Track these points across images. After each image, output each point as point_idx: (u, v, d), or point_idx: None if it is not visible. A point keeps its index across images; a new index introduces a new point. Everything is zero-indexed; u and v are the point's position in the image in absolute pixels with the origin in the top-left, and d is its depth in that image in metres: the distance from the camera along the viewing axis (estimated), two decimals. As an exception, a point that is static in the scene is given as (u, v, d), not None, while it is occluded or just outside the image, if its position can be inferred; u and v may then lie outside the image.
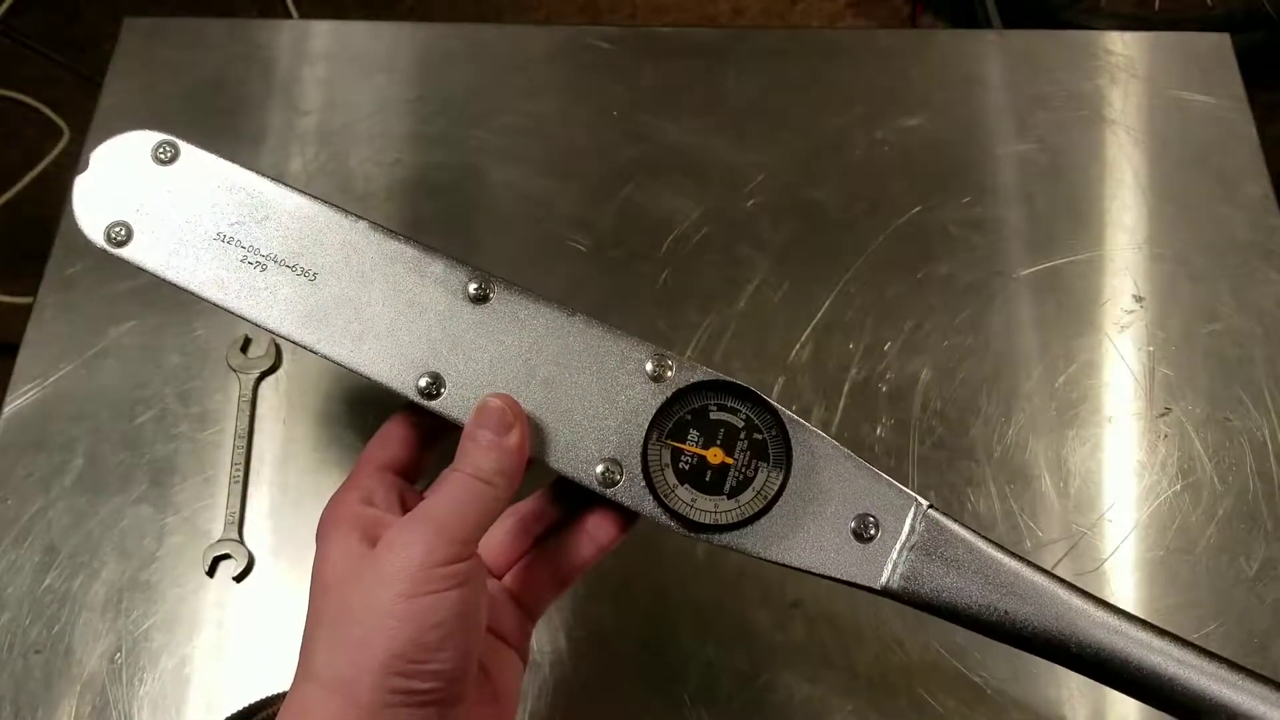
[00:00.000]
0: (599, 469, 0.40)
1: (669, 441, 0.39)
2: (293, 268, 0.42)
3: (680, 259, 0.68)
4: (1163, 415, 0.63)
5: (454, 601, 0.34)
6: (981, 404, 0.63)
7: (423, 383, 0.40)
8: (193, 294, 0.42)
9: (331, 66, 0.76)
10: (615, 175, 0.71)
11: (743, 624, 0.57)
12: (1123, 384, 0.64)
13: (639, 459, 0.39)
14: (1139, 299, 0.67)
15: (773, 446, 0.39)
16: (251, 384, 0.63)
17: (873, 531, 0.39)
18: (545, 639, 0.57)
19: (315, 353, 0.41)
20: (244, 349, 0.64)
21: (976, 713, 0.55)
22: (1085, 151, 0.72)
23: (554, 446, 0.40)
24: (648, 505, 0.39)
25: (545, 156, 0.72)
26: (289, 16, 1.68)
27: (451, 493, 0.36)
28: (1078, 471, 0.61)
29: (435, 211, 0.70)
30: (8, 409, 0.62)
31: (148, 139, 0.43)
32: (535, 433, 0.40)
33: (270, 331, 0.41)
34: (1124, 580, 0.58)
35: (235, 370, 0.63)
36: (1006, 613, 0.37)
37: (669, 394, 0.40)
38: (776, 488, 0.39)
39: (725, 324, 0.66)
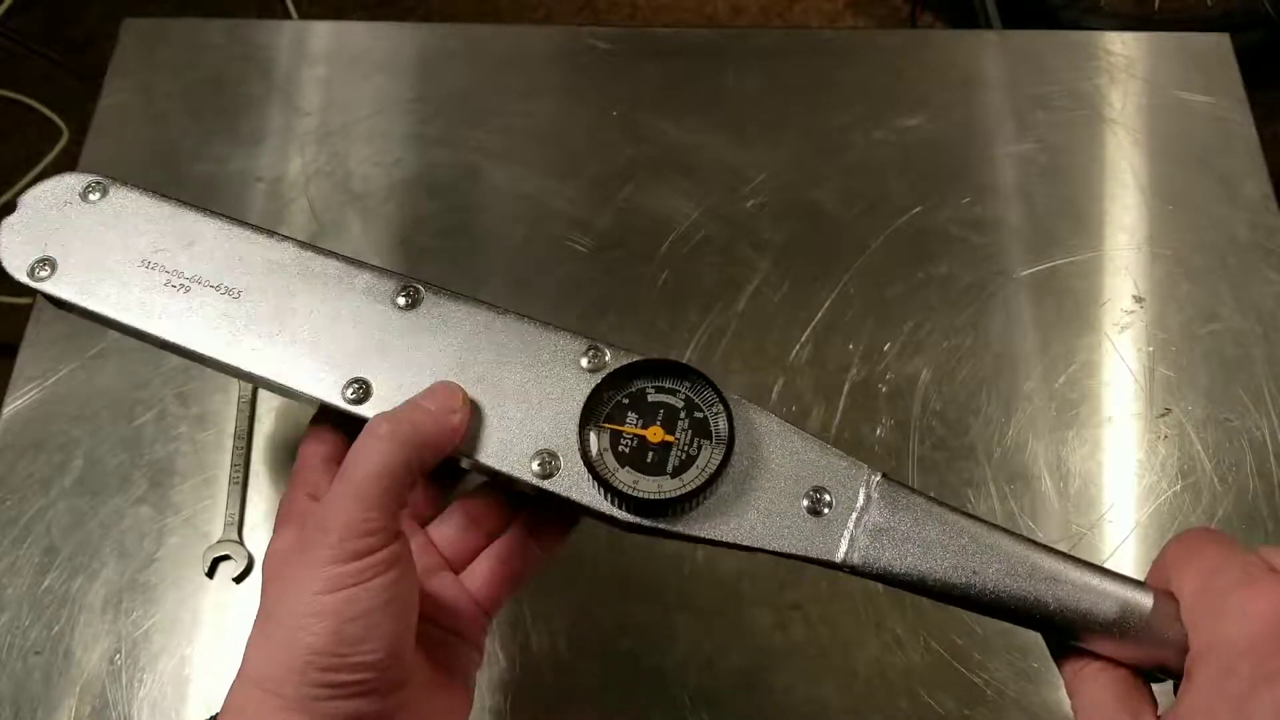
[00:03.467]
0: (535, 463, 0.38)
1: (606, 425, 0.38)
2: (216, 287, 0.41)
3: (680, 259, 0.68)
4: (1162, 415, 0.63)
5: (374, 591, 0.34)
6: (981, 404, 0.63)
7: (349, 392, 0.39)
8: (115, 323, 0.41)
9: (331, 67, 0.76)
10: (615, 175, 0.71)
11: (743, 624, 0.57)
12: (1122, 384, 0.64)
13: (576, 447, 0.38)
14: (1139, 299, 0.67)
15: (714, 423, 0.38)
16: (251, 385, 0.63)
17: (827, 502, 0.37)
18: (545, 640, 0.57)
19: (239, 372, 0.40)
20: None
21: (976, 713, 0.55)
22: (1085, 151, 0.72)
23: (488, 444, 0.39)
24: (588, 492, 0.38)
25: (545, 156, 0.72)
26: (289, 17, 1.68)
27: (362, 469, 0.35)
28: (1078, 472, 0.61)
29: (435, 211, 0.70)
30: (7, 409, 0.62)
31: (79, 180, 0.44)
32: (470, 431, 0.39)
33: (193, 355, 0.41)
34: (1124, 580, 0.58)
35: (235, 371, 0.63)
36: (975, 572, 0.36)
37: (601, 378, 0.39)
38: (720, 460, 0.37)
39: (725, 324, 0.66)
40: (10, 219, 0.43)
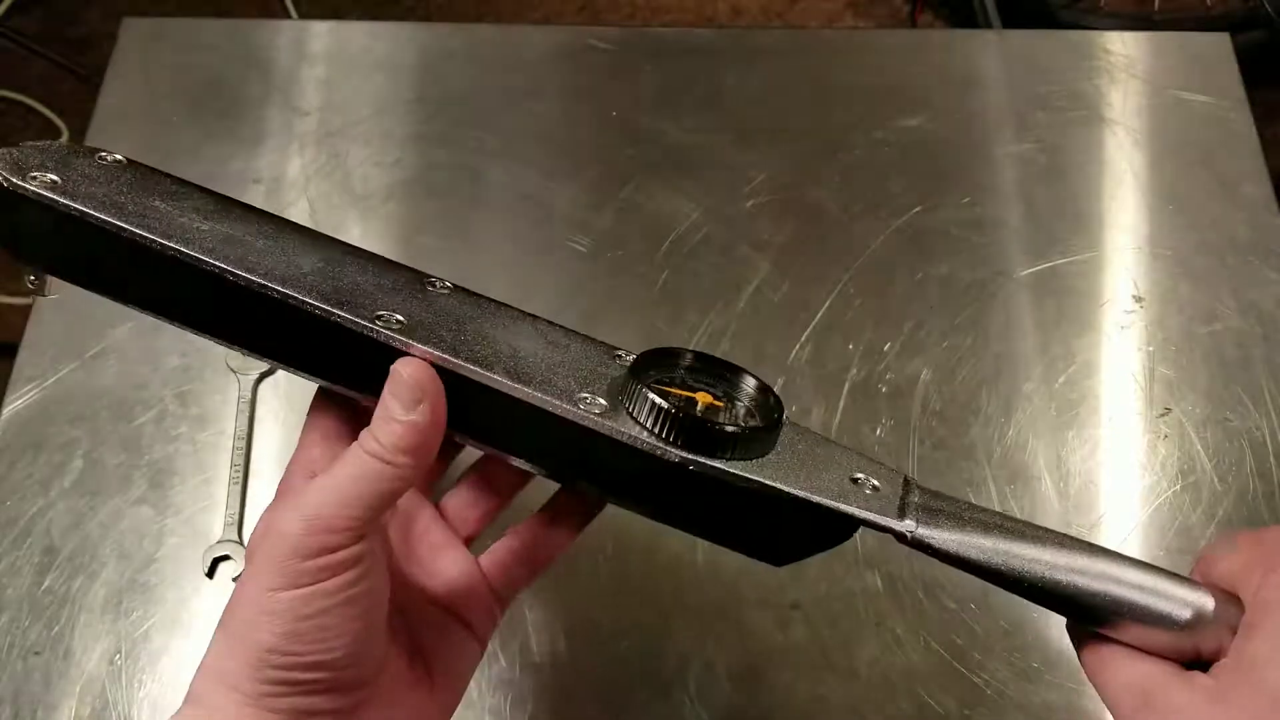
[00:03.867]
0: (583, 396, 0.34)
1: (655, 385, 0.35)
2: (244, 239, 0.37)
3: (680, 259, 0.68)
4: (1162, 415, 0.63)
5: (331, 590, 0.32)
6: (981, 404, 0.63)
7: (379, 322, 0.34)
8: (122, 235, 0.35)
9: (331, 67, 0.76)
10: (615, 176, 0.71)
11: (743, 624, 0.57)
12: (1122, 384, 0.64)
13: (623, 386, 0.35)
14: (1139, 299, 0.67)
15: (758, 399, 0.37)
16: (251, 385, 0.63)
17: (874, 485, 0.36)
18: (545, 640, 0.57)
19: (269, 298, 0.34)
20: (243, 350, 0.64)
21: (976, 713, 0.55)
22: (1085, 151, 0.72)
23: (530, 380, 0.34)
24: (634, 427, 0.34)
25: (545, 157, 0.72)
26: (288, 17, 1.68)
27: (344, 471, 0.33)
28: (1078, 472, 0.61)
29: (435, 212, 0.70)
30: (7, 410, 0.62)
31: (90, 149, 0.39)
32: (504, 375, 0.34)
33: (205, 280, 0.35)
34: (1124, 580, 0.58)
35: (234, 371, 0.63)
36: (1032, 559, 0.34)
37: (639, 355, 0.36)
38: (778, 412, 0.35)
39: (725, 324, 0.66)
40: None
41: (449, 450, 0.41)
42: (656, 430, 0.34)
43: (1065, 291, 0.67)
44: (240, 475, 0.60)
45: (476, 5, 1.77)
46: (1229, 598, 0.34)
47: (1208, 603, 0.34)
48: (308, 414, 0.39)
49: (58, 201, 0.34)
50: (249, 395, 0.63)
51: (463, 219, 0.70)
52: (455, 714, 0.53)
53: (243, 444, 0.61)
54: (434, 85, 0.75)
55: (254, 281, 0.34)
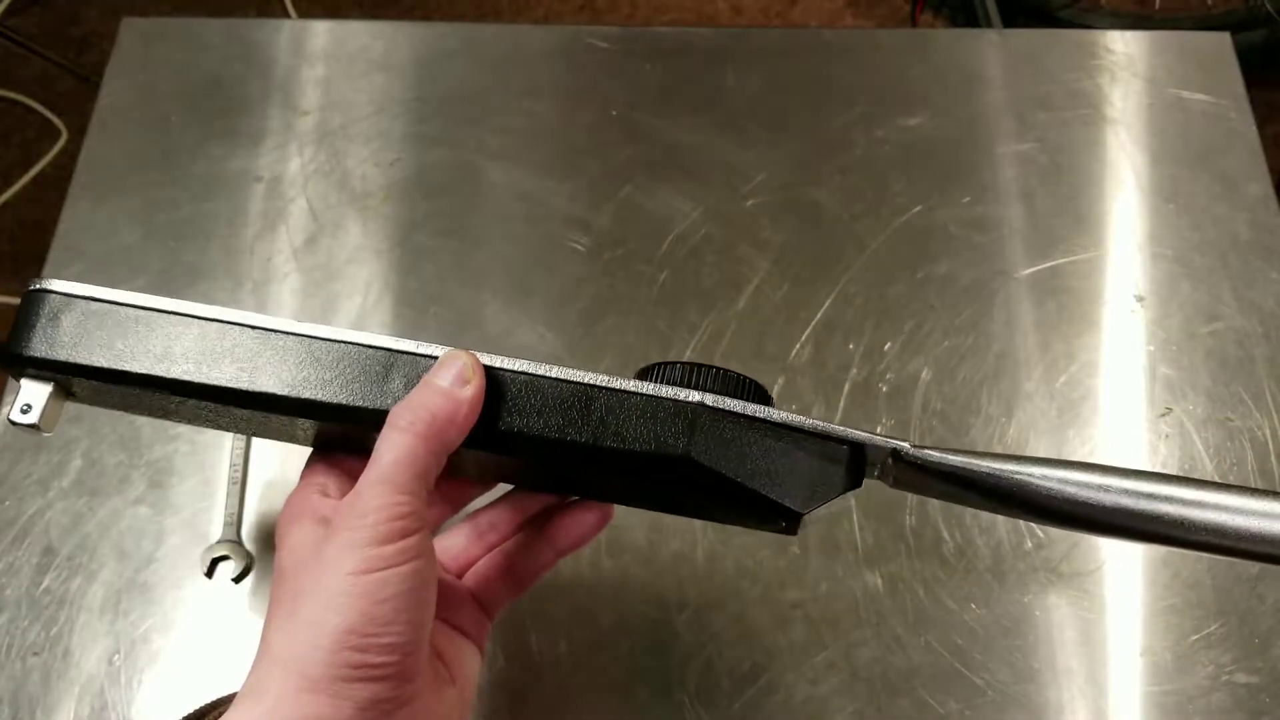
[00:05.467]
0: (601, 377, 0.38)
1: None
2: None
3: (680, 259, 0.68)
4: (1163, 415, 0.63)
5: (405, 575, 0.34)
6: (982, 404, 0.63)
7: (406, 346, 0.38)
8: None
9: (330, 66, 0.76)
10: (614, 175, 0.71)
11: (743, 624, 0.57)
12: (1123, 384, 0.64)
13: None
14: (1139, 299, 0.67)
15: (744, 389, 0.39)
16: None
17: (869, 429, 0.39)
18: (545, 640, 0.57)
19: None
20: (243, 349, 0.64)
21: (976, 713, 0.55)
22: (1085, 151, 0.72)
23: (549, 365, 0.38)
24: (665, 389, 0.37)
25: (544, 156, 0.72)
26: (287, 16, 1.68)
27: (390, 455, 0.35)
28: (1078, 472, 0.61)
29: (434, 211, 0.70)
30: (6, 409, 0.62)
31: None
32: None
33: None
34: (1124, 581, 0.58)
35: (234, 371, 0.63)
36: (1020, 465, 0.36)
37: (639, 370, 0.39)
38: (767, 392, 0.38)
39: (725, 324, 0.66)
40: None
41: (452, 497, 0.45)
42: (682, 382, 0.37)
43: (1066, 291, 0.67)
44: (239, 475, 0.60)
45: (476, 4, 1.77)
46: None
47: None
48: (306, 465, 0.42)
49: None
50: (248, 395, 0.63)
51: (462, 218, 0.70)
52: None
53: (242, 444, 0.61)
54: (433, 84, 0.75)
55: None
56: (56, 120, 1.58)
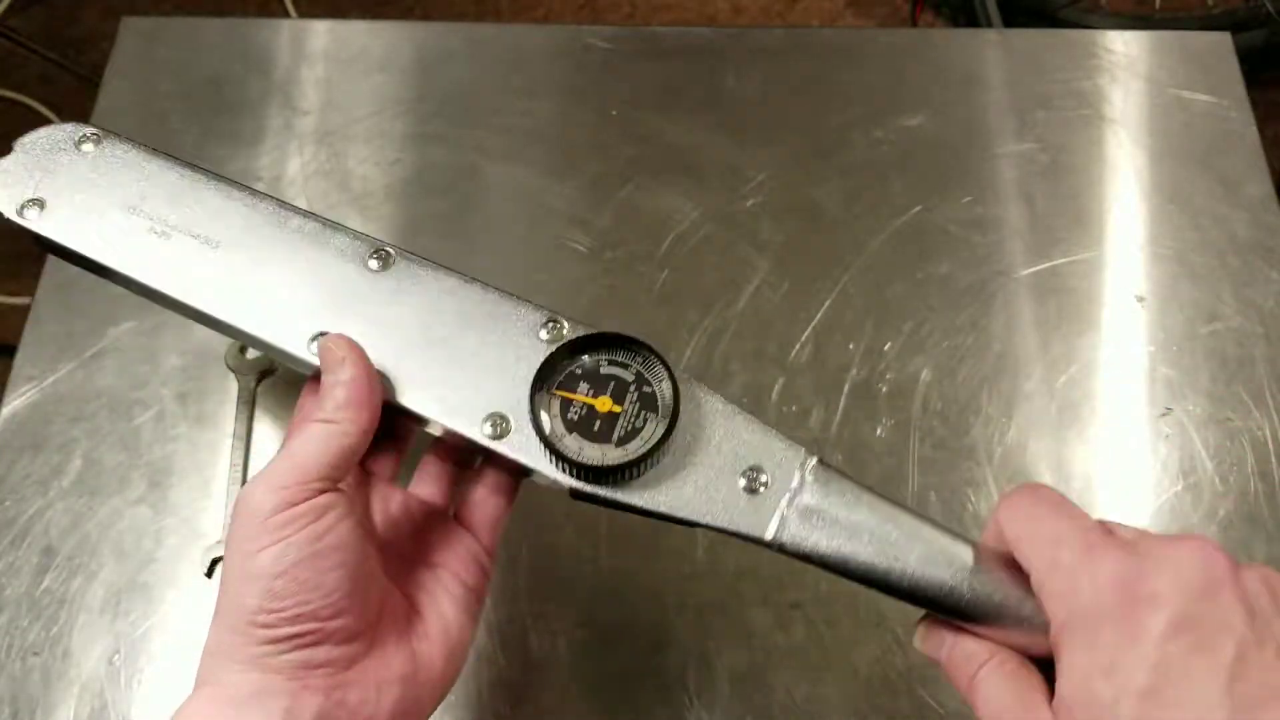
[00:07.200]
0: (487, 425, 0.40)
1: (558, 392, 0.40)
2: (196, 237, 0.43)
3: (680, 259, 0.68)
4: (1163, 415, 0.63)
5: (300, 543, 0.35)
6: (982, 404, 0.63)
7: (314, 347, 0.41)
8: (96, 264, 0.43)
9: (330, 66, 0.76)
10: (615, 175, 0.71)
11: (743, 624, 0.57)
12: (1124, 384, 0.64)
13: (527, 410, 0.39)
14: (1140, 299, 0.67)
15: (661, 397, 0.40)
16: (250, 385, 0.63)
17: (763, 481, 0.39)
18: (545, 639, 0.57)
19: (212, 319, 0.42)
20: (242, 350, 0.64)
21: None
22: (1086, 151, 0.72)
23: (444, 403, 0.40)
24: (535, 457, 0.39)
25: (544, 156, 0.72)
26: (287, 16, 1.68)
27: (298, 441, 0.37)
28: (1078, 472, 0.61)
29: (434, 211, 0.70)
30: (5, 410, 0.62)
31: (75, 130, 0.45)
32: (426, 390, 0.40)
33: (168, 300, 0.42)
34: (1125, 581, 0.58)
35: (234, 371, 0.63)
36: (895, 560, 0.37)
37: (557, 347, 0.40)
38: (664, 431, 0.39)
39: (725, 324, 0.66)
40: (4, 161, 0.44)
41: (402, 439, 0.45)
42: (549, 459, 0.39)
43: (1066, 291, 0.67)
44: (239, 475, 0.60)
45: (476, 4, 1.77)
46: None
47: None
48: (293, 420, 0.42)
49: (43, 237, 0.43)
50: (248, 395, 0.63)
51: (462, 218, 0.70)
52: (456, 715, 0.53)
53: (242, 444, 0.61)
54: (433, 84, 0.75)
55: (203, 314, 0.42)
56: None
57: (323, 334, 0.41)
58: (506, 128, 0.73)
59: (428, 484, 0.45)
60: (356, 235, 0.43)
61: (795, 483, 0.39)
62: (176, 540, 0.59)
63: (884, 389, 0.63)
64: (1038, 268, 0.68)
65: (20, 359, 0.64)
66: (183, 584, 0.58)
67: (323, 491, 0.36)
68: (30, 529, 0.59)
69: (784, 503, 0.38)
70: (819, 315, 0.66)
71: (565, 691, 0.56)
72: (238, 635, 0.35)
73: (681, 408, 0.39)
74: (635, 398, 0.40)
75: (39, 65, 1.59)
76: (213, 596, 0.57)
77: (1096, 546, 0.33)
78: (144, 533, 0.59)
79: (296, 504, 0.35)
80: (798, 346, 0.65)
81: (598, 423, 0.39)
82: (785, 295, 0.67)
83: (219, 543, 0.58)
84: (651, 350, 0.40)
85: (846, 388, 0.63)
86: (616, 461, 0.38)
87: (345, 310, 0.41)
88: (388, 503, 0.43)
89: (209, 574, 0.58)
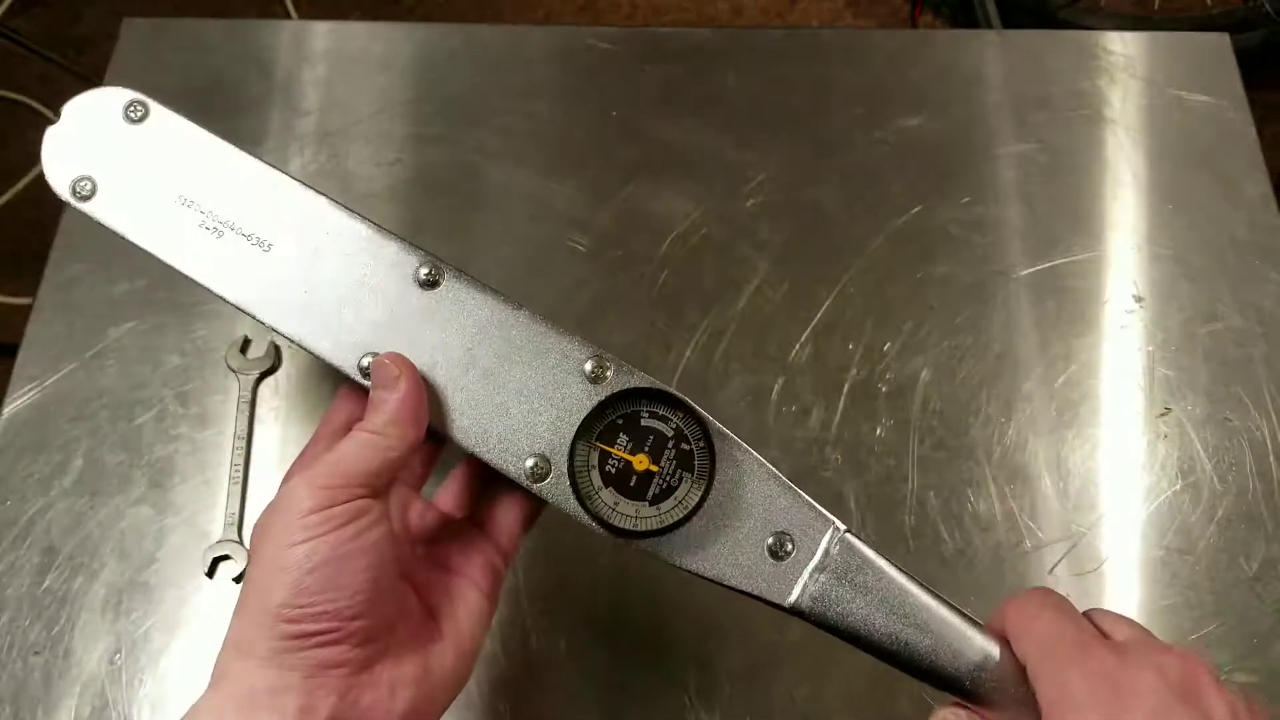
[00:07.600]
0: (529, 463, 0.40)
1: (598, 444, 0.40)
2: (248, 236, 0.42)
3: (680, 259, 0.68)
4: (1162, 415, 0.63)
5: (334, 543, 0.36)
6: (981, 404, 0.63)
7: (364, 362, 0.41)
8: (151, 253, 0.42)
9: (331, 67, 0.76)
10: (615, 175, 0.71)
11: (743, 624, 0.57)
12: (1123, 384, 0.64)
13: (566, 458, 0.40)
14: (1139, 299, 0.67)
15: (698, 458, 0.40)
16: (251, 385, 0.63)
17: (788, 549, 0.39)
18: (545, 639, 0.57)
19: (261, 322, 0.42)
20: (243, 350, 0.64)
21: (977, 713, 0.55)
22: (1085, 151, 0.72)
23: (488, 438, 0.40)
24: (571, 505, 0.40)
25: (545, 157, 0.72)
26: (288, 17, 1.68)
27: (342, 446, 0.38)
28: (1078, 472, 0.61)
29: (434, 212, 0.70)
30: (7, 410, 0.62)
31: (120, 96, 0.44)
32: (470, 423, 0.40)
33: (221, 298, 0.42)
34: (1124, 580, 0.58)
35: (235, 371, 0.63)
36: (906, 644, 0.39)
37: (604, 396, 0.40)
38: (697, 500, 0.39)
39: (725, 324, 0.66)
40: (54, 129, 0.43)
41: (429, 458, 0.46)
42: (583, 508, 0.40)
43: (1065, 291, 0.67)
44: (240, 475, 0.60)
45: (477, 5, 1.77)
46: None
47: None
48: (322, 421, 0.43)
49: (97, 220, 0.43)
50: (249, 395, 0.63)
51: (462, 219, 0.70)
52: (456, 715, 0.53)
53: (243, 444, 0.61)
54: (434, 85, 0.75)
55: (248, 312, 0.42)
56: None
57: (373, 354, 0.41)
58: (507, 128, 0.73)
59: (454, 491, 0.46)
60: (407, 245, 0.42)
61: (820, 554, 0.39)
62: (177, 540, 0.59)
63: (884, 389, 0.63)
64: (1037, 268, 0.68)
65: (22, 359, 0.64)
66: (184, 583, 0.58)
67: (361, 497, 0.37)
68: (32, 528, 0.59)
69: (806, 573, 0.39)
70: (819, 315, 0.66)
71: (565, 691, 0.56)
72: (260, 628, 0.35)
73: (718, 468, 0.39)
74: (673, 454, 0.40)
75: (39, 65, 1.59)
76: (213, 595, 0.57)
77: (1090, 645, 0.36)
78: (145, 532, 0.59)
79: (336, 505, 0.36)
80: (798, 346, 0.65)
81: (634, 479, 0.40)
82: (785, 295, 0.67)
83: (220, 542, 0.59)
84: (693, 409, 0.40)
85: (846, 387, 0.64)
86: (647, 527, 0.39)
87: (394, 328, 0.41)
88: (414, 510, 0.44)
89: (210, 574, 0.58)
